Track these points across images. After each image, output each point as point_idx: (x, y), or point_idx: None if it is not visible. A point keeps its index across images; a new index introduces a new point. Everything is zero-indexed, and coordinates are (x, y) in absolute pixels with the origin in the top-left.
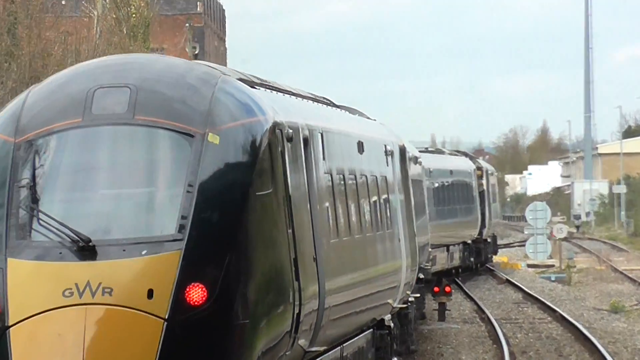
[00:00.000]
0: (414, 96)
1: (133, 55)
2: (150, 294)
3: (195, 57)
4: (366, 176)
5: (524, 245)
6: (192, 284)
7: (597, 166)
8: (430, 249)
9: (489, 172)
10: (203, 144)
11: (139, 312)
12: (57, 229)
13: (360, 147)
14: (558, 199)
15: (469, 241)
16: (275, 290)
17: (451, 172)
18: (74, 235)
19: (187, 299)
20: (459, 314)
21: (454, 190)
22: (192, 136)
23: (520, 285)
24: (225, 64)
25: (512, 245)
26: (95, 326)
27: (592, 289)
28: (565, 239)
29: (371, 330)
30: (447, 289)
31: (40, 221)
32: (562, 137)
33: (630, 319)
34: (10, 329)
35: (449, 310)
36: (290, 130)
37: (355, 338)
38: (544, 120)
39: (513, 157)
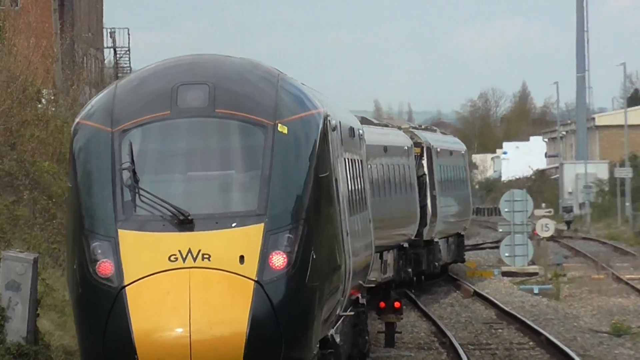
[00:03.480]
0: (351, 52)
1: (204, 55)
2: (241, 259)
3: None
4: (352, 160)
5: (497, 247)
6: (275, 252)
7: (593, 143)
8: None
9: (438, 149)
10: (274, 134)
11: (233, 274)
12: (158, 204)
13: (352, 132)
14: (542, 186)
15: (405, 244)
16: (335, 258)
17: (386, 149)
18: (175, 210)
19: (271, 264)
20: (412, 337)
21: (388, 173)
22: (264, 127)
23: (493, 300)
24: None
25: (481, 246)
26: (198, 285)
27: (588, 304)
28: (552, 239)
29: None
30: (397, 304)
31: (143, 198)
32: (548, 105)
33: (638, 343)
34: (126, 288)
35: (399, 332)
36: (334, 121)
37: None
38: (524, 82)
39: (483, 130)
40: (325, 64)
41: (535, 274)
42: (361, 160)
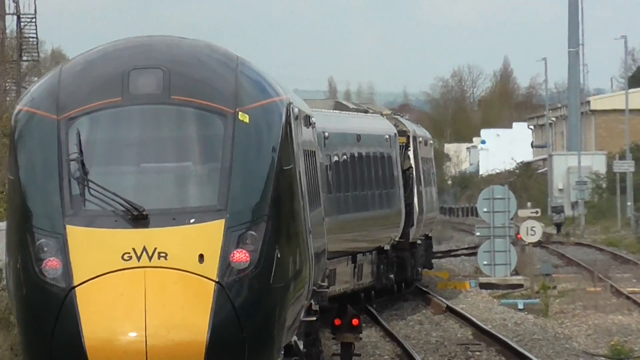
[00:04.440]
0: (301, 22)
1: (156, 37)
2: (201, 258)
3: None
4: (308, 152)
5: (474, 254)
6: (237, 250)
7: (588, 130)
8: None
9: (420, 138)
10: (235, 123)
11: (192, 274)
12: (110, 198)
13: (307, 121)
14: (527, 182)
15: (387, 247)
16: (300, 258)
17: (359, 137)
18: (128, 205)
19: (233, 263)
20: None
21: (364, 166)
22: (224, 115)
23: (469, 317)
24: None
25: (455, 253)
26: (154, 286)
27: (582, 322)
28: (539, 245)
29: None
30: (355, 321)
31: (93, 192)
32: (534, 86)
33: None
34: (76, 289)
35: (358, 355)
36: (297, 109)
37: None
38: (505, 58)
39: (457, 116)
40: (270, 35)
41: (520, 286)
42: (315, 152)
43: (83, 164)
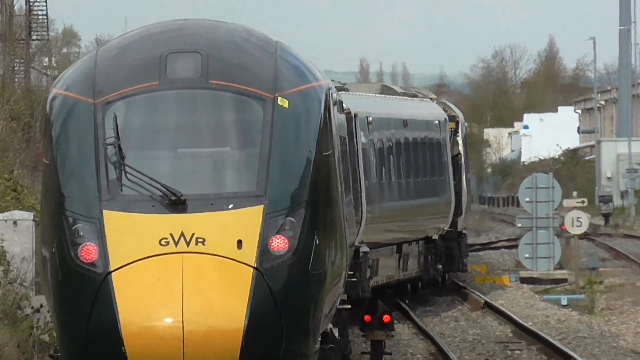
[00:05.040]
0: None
1: (193, 20)
2: (239, 244)
3: None
4: (342, 138)
5: (515, 247)
6: (275, 236)
7: None
8: (366, 250)
9: (464, 124)
10: (274, 108)
11: (230, 260)
12: (148, 184)
13: (341, 107)
14: (573, 170)
15: (435, 236)
16: (338, 244)
17: (405, 123)
18: (166, 190)
19: (272, 250)
20: None
21: (411, 153)
22: (263, 100)
23: (509, 313)
24: None
25: (494, 245)
26: (191, 272)
27: (631, 319)
28: (585, 236)
29: None
30: (386, 317)
31: (130, 176)
32: (581, 67)
33: None
34: (112, 274)
35: (389, 353)
36: (335, 94)
37: None
38: (551, 36)
39: (498, 99)
40: (297, 12)
41: (564, 280)
42: (346, 139)
43: (120, 149)
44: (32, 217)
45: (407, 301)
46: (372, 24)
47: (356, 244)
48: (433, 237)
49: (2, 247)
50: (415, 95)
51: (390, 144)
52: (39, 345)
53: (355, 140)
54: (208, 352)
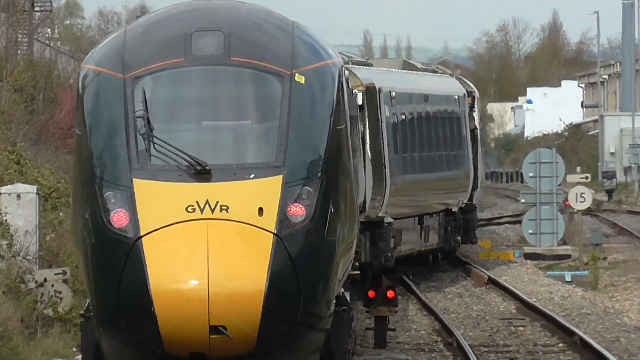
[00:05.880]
0: None
1: (215, 1)
2: (260, 211)
3: None
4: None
5: (518, 222)
6: (294, 204)
7: None
8: (390, 221)
9: (479, 99)
10: (291, 84)
11: (252, 226)
12: (175, 154)
13: (347, 83)
14: (577, 145)
15: (455, 209)
16: (350, 213)
17: (426, 98)
18: (192, 160)
19: (290, 217)
20: (409, 336)
21: (432, 127)
22: (281, 76)
23: (513, 289)
24: None
25: (498, 221)
26: (216, 237)
27: (635, 296)
28: (589, 212)
29: None
30: (390, 293)
31: (158, 147)
32: (585, 41)
33: None
34: (143, 238)
35: (393, 329)
36: (347, 72)
37: None
38: (554, 11)
39: (501, 73)
40: None
41: (568, 256)
42: (353, 116)
43: (149, 121)
44: (35, 190)
45: (410, 277)
46: None
47: (380, 214)
48: (453, 210)
49: (6, 220)
50: (435, 71)
51: (413, 118)
52: (42, 320)
53: (379, 114)
54: (231, 312)
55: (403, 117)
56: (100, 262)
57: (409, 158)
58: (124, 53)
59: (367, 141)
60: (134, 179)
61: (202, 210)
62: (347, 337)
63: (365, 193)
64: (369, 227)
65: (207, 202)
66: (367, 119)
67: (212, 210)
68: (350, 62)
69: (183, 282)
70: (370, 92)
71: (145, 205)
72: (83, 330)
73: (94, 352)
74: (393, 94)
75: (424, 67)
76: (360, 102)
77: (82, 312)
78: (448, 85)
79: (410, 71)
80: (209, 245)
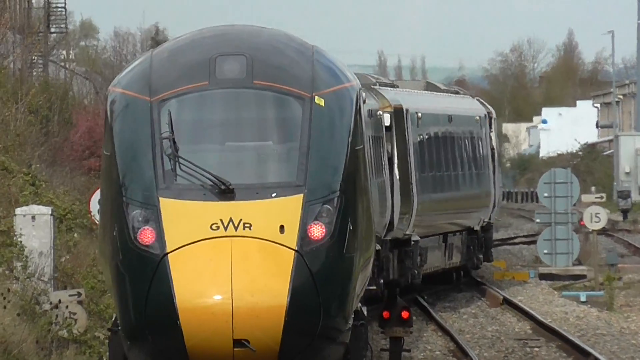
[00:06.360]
0: None
1: (238, 25)
2: (282, 229)
3: None
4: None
5: (533, 243)
6: (314, 222)
7: None
8: (417, 239)
9: (495, 119)
10: (312, 106)
11: (274, 243)
12: (199, 174)
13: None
14: (592, 165)
15: (477, 227)
16: (368, 230)
17: (450, 118)
18: (216, 180)
19: (311, 234)
20: (424, 357)
21: (456, 146)
22: (302, 99)
23: (528, 310)
24: None
25: (513, 241)
26: (239, 254)
27: None
28: (604, 232)
29: None
30: (405, 314)
31: (184, 167)
32: (600, 61)
33: None
34: (169, 255)
35: (408, 350)
36: (365, 94)
37: None
38: (570, 31)
39: (516, 93)
40: (315, 6)
41: (583, 276)
42: (378, 136)
43: (174, 142)
44: (50, 212)
45: (425, 297)
46: (390, 17)
47: (407, 233)
48: (475, 228)
49: (21, 241)
50: (457, 92)
51: (438, 138)
52: (57, 342)
53: (406, 135)
54: (254, 326)
55: (428, 137)
56: (128, 278)
57: (435, 177)
58: (151, 77)
59: (395, 161)
60: (160, 198)
61: (225, 228)
62: (364, 350)
63: (393, 212)
64: (397, 245)
65: (230, 220)
66: (395, 139)
67: (236, 228)
68: (377, 84)
69: (208, 297)
70: (398, 112)
71: (171, 223)
72: (111, 344)
73: None
74: (419, 114)
75: (446, 88)
76: (387, 123)
77: (109, 327)
78: (470, 106)
79: (433, 92)
80: (233, 262)
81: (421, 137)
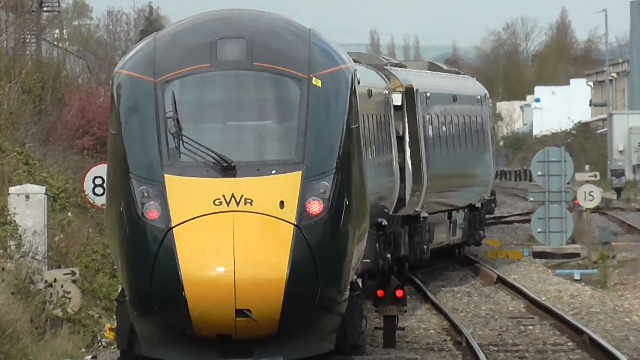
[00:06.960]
0: None
1: (237, 10)
2: (281, 204)
3: None
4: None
5: (527, 221)
6: (312, 198)
7: None
8: (425, 215)
9: (489, 97)
10: (309, 87)
11: (274, 218)
12: (202, 151)
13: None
14: (585, 143)
15: (478, 204)
16: (363, 206)
17: (455, 98)
18: (218, 157)
19: (309, 210)
20: (418, 335)
21: (460, 125)
22: (300, 80)
23: (522, 288)
24: None
25: (507, 219)
26: (241, 228)
27: None
28: (598, 210)
29: None
30: (399, 292)
31: (187, 145)
32: (593, 39)
33: None
34: (174, 229)
35: (402, 329)
36: (359, 75)
37: None
38: (562, 9)
39: (509, 72)
40: None
41: (577, 255)
42: (385, 115)
43: (178, 121)
44: (43, 191)
45: (419, 276)
46: None
47: (417, 209)
48: (476, 205)
49: (15, 220)
50: (458, 72)
51: (444, 117)
52: (51, 320)
53: (417, 114)
54: (256, 297)
55: (436, 116)
56: (135, 251)
57: (442, 155)
58: (155, 59)
59: (407, 139)
60: (165, 175)
61: (228, 203)
62: (360, 320)
63: (405, 189)
64: (407, 222)
65: (232, 195)
66: (406, 118)
67: (237, 203)
68: (388, 65)
69: (211, 269)
70: (409, 92)
71: (175, 198)
72: (118, 313)
73: (128, 333)
74: (428, 94)
75: (447, 69)
76: (399, 102)
77: (116, 297)
78: (471, 86)
79: (437, 72)
80: (235, 236)
81: (430, 116)
